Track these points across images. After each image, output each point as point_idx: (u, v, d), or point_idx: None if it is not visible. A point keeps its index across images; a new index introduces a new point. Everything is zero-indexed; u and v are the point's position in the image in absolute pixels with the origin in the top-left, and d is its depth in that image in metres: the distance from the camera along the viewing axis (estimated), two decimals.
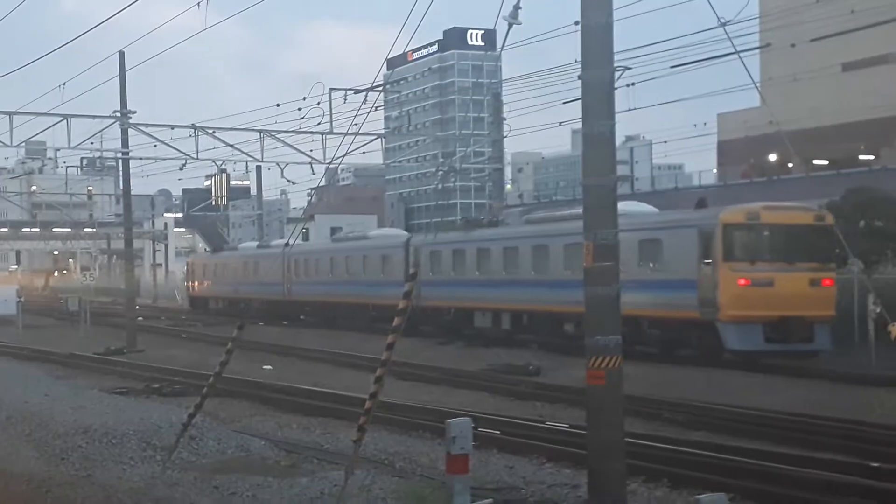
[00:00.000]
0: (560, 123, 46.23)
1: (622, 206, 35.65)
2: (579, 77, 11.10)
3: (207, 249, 77.65)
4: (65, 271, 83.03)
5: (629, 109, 32.97)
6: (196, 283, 60.98)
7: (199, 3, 22.03)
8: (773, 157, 70.11)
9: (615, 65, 11.19)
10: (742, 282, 25.71)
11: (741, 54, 15.73)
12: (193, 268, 62.71)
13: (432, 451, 15.97)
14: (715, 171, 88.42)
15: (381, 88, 43.71)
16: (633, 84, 31.67)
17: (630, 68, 29.89)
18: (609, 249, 11.03)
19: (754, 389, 22.99)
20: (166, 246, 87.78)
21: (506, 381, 25.37)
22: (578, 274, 27.35)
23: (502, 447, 16.11)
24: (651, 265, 27.86)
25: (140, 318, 44.73)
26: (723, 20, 13.94)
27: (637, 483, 13.23)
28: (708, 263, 26.06)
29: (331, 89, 38.26)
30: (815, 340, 25.97)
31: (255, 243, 62.80)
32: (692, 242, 26.71)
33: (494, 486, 13.51)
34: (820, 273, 26.32)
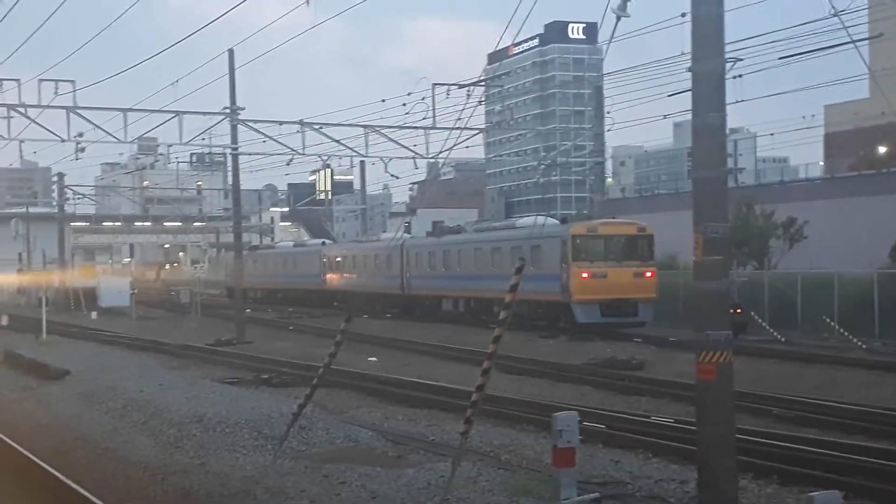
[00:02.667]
0: (665, 116, 45.65)
1: (532, 219, 44.57)
2: (689, 69, 10.97)
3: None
4: (175, 264, 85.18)
5: (736, 101, 32.39)
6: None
7: (307, 1, 22.36)
8: (882, 150, 68.16)
9: (725, 56, 11.02)
10: (585, 275, 35.73)
11: (854, 44, 15.34)
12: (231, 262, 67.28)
13: (537, 444, 15.99)
14: (821, 163, 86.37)
15: (483, 83, 43.66)
16: (740, 76, 31.04)
17: (741, 59, 29.35)
18: (719, 243, 10.87)
19: (869, 387, 22.46)
20: (272, 239, 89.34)
21: (609, 375, 25.26)
22: (500, 269, 35.13)
23: (607, 441, 16.06)
24: (539, 263, 36.86)
25: (248, 311, 45.63)
26: (834, 10, 13.61)
27: (746, 479, 13.06)
28: (565, 263, 36.13)
29: (434, 84, 38.28)
30: (640, 315, 36.28)
31: (291, 242, 71.54)
32: (557, 248, 36.75)
33: (601, 480, 13.45)
34: (642, 268, 36.62)
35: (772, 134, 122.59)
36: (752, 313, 35.10)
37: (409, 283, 47.65)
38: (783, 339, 33.31)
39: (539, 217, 46.94)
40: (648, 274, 36.68)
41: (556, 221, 42.58)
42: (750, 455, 13.49)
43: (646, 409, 19.77)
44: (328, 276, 57.71)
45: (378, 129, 40.10)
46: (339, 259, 57.32)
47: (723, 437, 10.87)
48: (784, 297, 36.45)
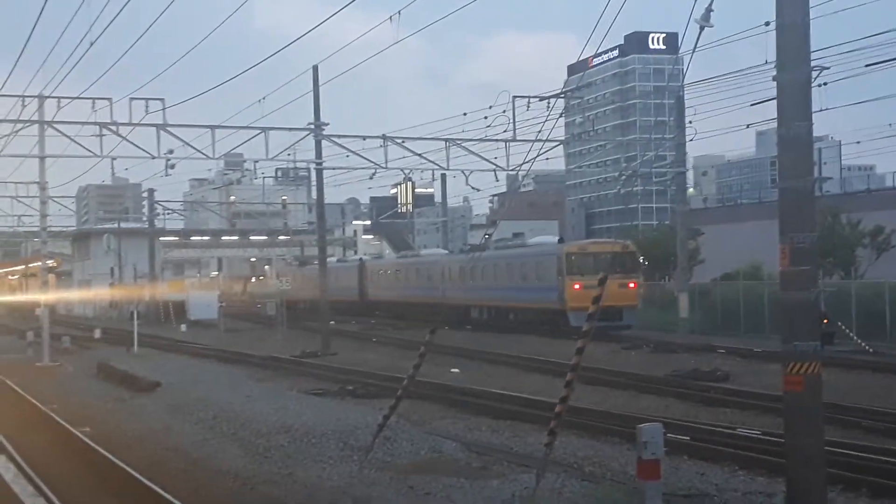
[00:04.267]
0: (747, 125, 45.16)
1: (537, 239, 49.05)
2: (774, 78, 10.90)
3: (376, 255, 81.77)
4: (261, 277, 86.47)
5: (821, 110, 31.85)
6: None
7: (391, 18, 22.63)
8: None
9: (811, 64, 10.92)
10: (577, 286, 41.03)
11: None
12: (282, 277, 72.49)
13: (621, 456, 15.93)
14: None
15: (563, 95, 43.58)
16: (825, 84, 30.49)
17: (828, 67, 28.87)
18: (806, 253, 10.76)
19: None
20: (356, 252, 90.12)
21: (693, 386, 25.01)
22: (512, 282, 46.89)
23: (693, 454, 15.91)
24: (540, 277, 44.22)
25: (332, 322, 46.20)
26: None
27: (835, 492, 12.87)
28: (560, 276, 42.25)
29: (514, 97, 38.31)
30: (623, 319, 41.49)
31: (335, 258, 74.99)
32: (554, 264, 43.11)
33: (686, 492, 13.37)
34: (626, 279, 41.56)
35: (858, 142, 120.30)
36: (840, 323, 34.46)
37: (444, 293, 53.42)
38: (871, 350, 32.64)
39: (543, 237, 53.10)
40: (631, 284, 42.42)
41: (553, 239, 50.42)
42: (839, 468, 13.30)
43: (731, 420, 19.54)
44: (369, 288, 64.26)
45: (459, 142, 40.28)
46: (380, 273, 64.07)
47: (811, 449, 10.75)
48: (872, 307, 35.73)
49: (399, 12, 24.50)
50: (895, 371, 27.16)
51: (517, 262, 47.03)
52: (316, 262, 73.38)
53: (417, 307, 55.19)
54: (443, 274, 54.23)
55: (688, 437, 16.76)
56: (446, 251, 64.62)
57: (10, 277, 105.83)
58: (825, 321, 30.75)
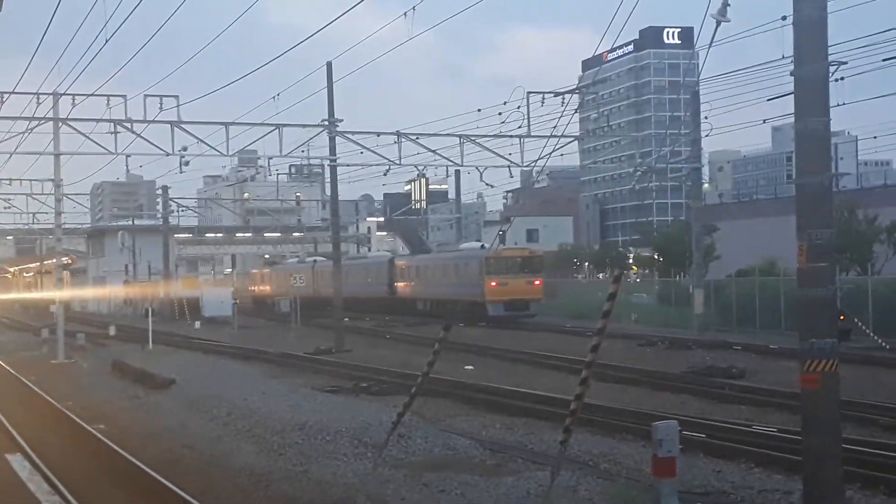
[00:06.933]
0: (764, 121, 44.92)
1: (465, 245, 67.95)
2: (791, 73, 10.81)
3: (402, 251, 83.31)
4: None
5: (838, 105, 31.67)
6: (257, 287, 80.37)
7: (405, 14, 22.55)
8: None
9: (829, 59, 10.82)
10: (493, 283, 51.10)
11: None
12: (255, 276, 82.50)
13: (637, 454, 15.85)
14: None
15: (578, 91, 43.47)
16: (842, 78, 30.31)
17: (845, 62, 28.72)
18: (824, 249, 10.67)
19: None
20: (369, 249, 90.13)
21: (709, 383, 24.91)
22: (446, 280, 57.62)
23: (708, 451, 15.82)
24: (467, 276, 53.58)
25: (346, 319, 46.22)
26: None
27: (853, 490, 12.78)
28: (481, 275, 51.53)
29: (528, 93, 38.21)
30: (530, 310, 51.82)
31: (295, 259, 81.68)
32: (477, 265, 52.73)
33: (702, 490, 13.29)
34: (532, 278, 52.10)
35: (874, 137, 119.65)
36: (856, 320, 34.30)
37: (394, 288, 62.30)
38: (888, 347, 32.49)
39: (470, 243, 62.86)
40: (537, 282, 52.44)
41: (477, 245, 60.37)
42: (856, 465, 13.20)
43: (747, 418, 19.44)
44: (322, 286, 67.24)
45: (473, 138, 40.23)
46: (328, 273, 68.61)
47: (829, 447, 10.67)
48: (889, 304, 35.56)
49: (413, 8, 24.45)
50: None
51: (451, 264, 56.39)
52: (285, 262, 78.00)
53: (366, 301, 62.86)
54: (393, 272, 62.77)
55: (703, 435, 16.68)
56: (391, 254, 74.07)
57: (24, 275, 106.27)
58: (842, 318, 30.67)
